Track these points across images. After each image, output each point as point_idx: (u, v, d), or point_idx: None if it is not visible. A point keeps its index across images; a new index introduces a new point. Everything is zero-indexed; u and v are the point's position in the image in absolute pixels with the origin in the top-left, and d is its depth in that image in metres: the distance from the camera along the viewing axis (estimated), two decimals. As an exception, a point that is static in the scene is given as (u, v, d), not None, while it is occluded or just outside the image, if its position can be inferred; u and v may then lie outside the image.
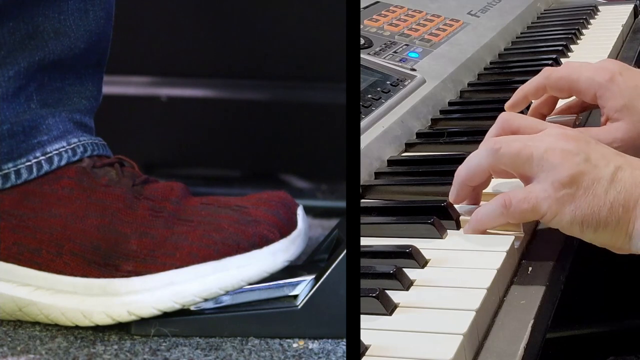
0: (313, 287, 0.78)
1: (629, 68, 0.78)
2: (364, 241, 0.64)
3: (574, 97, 0.82)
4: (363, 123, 0.82)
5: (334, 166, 1.01)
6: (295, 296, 0.78)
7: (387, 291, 0.55)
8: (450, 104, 0.96)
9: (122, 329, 0.78)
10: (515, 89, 0.82)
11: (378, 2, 1.16)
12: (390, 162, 0.81)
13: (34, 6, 0.79)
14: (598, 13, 1.33)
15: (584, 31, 1.22)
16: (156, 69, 1.13)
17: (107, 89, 0.87)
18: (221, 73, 1.13)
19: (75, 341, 0.77)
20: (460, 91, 1.00)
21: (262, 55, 1.12)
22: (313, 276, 0.78)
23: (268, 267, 0.78)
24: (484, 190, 0.69)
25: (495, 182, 0.70)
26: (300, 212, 0.82)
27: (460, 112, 0.94)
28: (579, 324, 1.04)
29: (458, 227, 0.66)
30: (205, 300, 0.77)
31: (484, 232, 0.63)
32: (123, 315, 0.77)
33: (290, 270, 0.80)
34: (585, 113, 0.87)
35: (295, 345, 0.77)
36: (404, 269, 0.58)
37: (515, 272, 0.61)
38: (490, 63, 1.10)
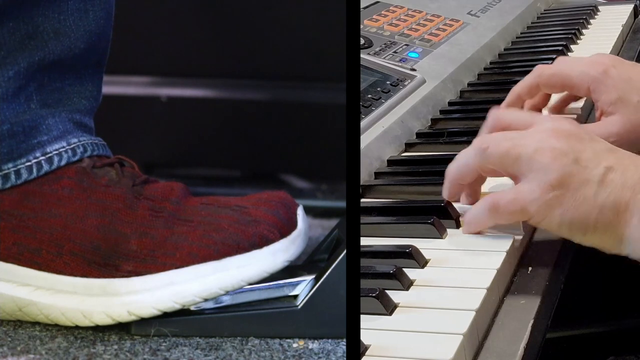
0: (313, 287, 0.78)
1: (622, 61, 0.78)
2: (364, 241, 0.64)
3: (566, 92, 0.82)
4: (363, 123, 0.82)
5: (334, 166, 1.01)
6: (295, 296, 0.78)
7: (387, 291, 0.55)
8: (450, 104, 0.96)
9: (122, 329, 0.78)
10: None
11: (378, 2, 1.16)
12: (390, 162, 0.81)
13: (34, 6, 0.79)
14: (598, 13, 1.33)
15: (584, 31, 1.22)
16: (156, 69, 1.13)
17: (107, 89, 0.87)
18: (221, 73, 1.13)
19: (75, 341, 0.77)
20: (460, 91, 1.00)
21: (262, 55, 1.12)
22: (313, 276, 0.78)
23: (268, 267, 0.78)
24: (482, 191, 0.68)
25: (493, 183, 0.70)
26: (300, 212, 0.82)
27: (460, 112, 0.94)
28: (579, 324, 1.04)
29: (458, 226, 0.65)
30: (205, 300, 0.77)
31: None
32: (123, 315, 0.77)
33: (290, 270, 0.80)
34: (586, 113, 0.86)
35: (295, 345, 0.77)
36: (404, 269, 0.58)
37: (515, 272, 0.61)
38: (490, 63, 1.10)
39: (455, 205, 0.68)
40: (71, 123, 0.82)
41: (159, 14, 1.12)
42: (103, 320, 0.77)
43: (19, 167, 0.80)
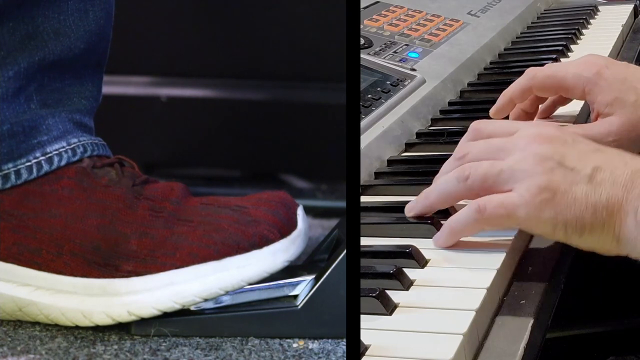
0: (313, 287, 0.78)
1: (614, 62, 0.77)
2: (364, 241, 0.64)
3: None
4: (363, 123, 0.82)
5: (334, 166, 1.01)
6: (295, 296, 0.78)
7: (387, 291, 0.55)
8: (450, 104, 0.96)
9: (122, 329, 0.78)
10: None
11: (378, 2, 1.16)
12: (390, 162, 0.81)
13: (34, 6, 0.79)
14: (598, 13, 1.33)
15: (584, 31, 1.22)
16: (156, 69, 1.13)
17: (107, 89, 0.87)
18: (221, 73, 1.13)
19: (75, 341, 0.77)
20: (460, 91, 1.00)
21: (262, 55, 1.12)
22: (313, 276, 0.78)
23: (268, 267, 0.78)
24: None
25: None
26: (300, 212, 0.82)
27: (460, 112, 0.94)
28: (579, 324, 1.04)
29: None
30: (205, 300, 0.77)
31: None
32: (123, 315, 0.77)
33: (290, 270, 0.80)
34: (585, 114, 0.86)
35: (295, 345, 0.77)
36: (404, 269, 0.58)
37: (515, 272, 0.61)
38: (490, 63, 1.10)
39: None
40: (71, 123, 0.82)
41: (159, 14, 1.12)
42: (103, 320, 0.77)
43: (19, 167, 0.80)
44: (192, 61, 1.13)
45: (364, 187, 0.76)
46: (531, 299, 0.57)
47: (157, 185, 0.81)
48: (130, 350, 0.76)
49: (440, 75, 0.98)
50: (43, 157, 0.80)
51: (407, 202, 0.71)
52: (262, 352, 0.76)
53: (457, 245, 0.63)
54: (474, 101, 0.98)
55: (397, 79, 0.93)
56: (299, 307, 0.78)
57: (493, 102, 0.87)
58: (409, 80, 0.93)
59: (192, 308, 0.78)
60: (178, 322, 0.78)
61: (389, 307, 0.54)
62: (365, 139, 0.80)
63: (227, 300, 0.78)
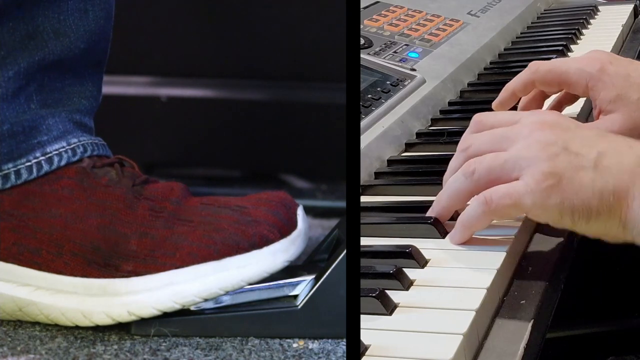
0: (313, 287, 0.78)
1: (618, 57, 0.76)
2: (364, 241, 0.64)
3: (562, 91, 0.81)
4: (363, 123, 0.82)
5: (334, 166, 1.01)
6: (295, 296, 0.78)
7: (387, 291, 0.55)
8: (450, 104, 0.96)
9: (122, 329, 0.78)
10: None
11: (378, 2, 1.16)
12: (390, 162, 0.81)
13: (34, 6, 0.79)
14: (598, 13, 1.33)
15: (584, 31, 1.22)
16: (156, 69, 1.14)
17: (107, 89, 0.87)
18: (221, 73, 1.13)
19: (75, 341, 0.77)
20: (460, 91, 1.00)
21: (262, 55, 1.12)
22: (313, 276, 0.78)
23: (268, 267, 0.78)
24: None
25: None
26: (300, 212, 0.82)
27: (460, 112, 0.94)
28: (579, 324, 1.04)
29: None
30: (205, 300, 0.77)
31: (471, 237, 0.62)
32: (123, 315, 0.77)
33: (290, 270, 0.80)
34: (586, 113, 0.86)
35: (295, 345, 0.77)
36: (404, 269, 0.58)
37: (515, 272, 0.61)
38: (490, 63, 1.10)
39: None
40: (71, 123, 0.82)
41: (159, 14, 1.13)
42: (103, 320, 0.77)
43: (19, 167, 0.80)
44: (192, 61, 1.13)
45: (364, 187, 0.76)
46: (531, 299, 0.57)
47: (157, 185, 0.81)
48: (130, 350, 0.76)
49: (440, 75, 0.98)
50: (43, 157, 0.80)
51: (407, 202, 0.72)
52: (262, 352, 0.76)
53: (457, 245, 0.63)
54: (474, 101, 0.97)
55: (397, 79, 0.93)
56: (299, 307, 0.78)
57: (493, 101, 0.87)
58: (409, 80, 0.93)
59: (192, 308, 0.78)
60: (178, 322, 0.78)
61: (389, 307, 0.54)
62: (365, 139, 0.80)
63: (227, 300, 0.78)
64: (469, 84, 1.02)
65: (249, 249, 0.78)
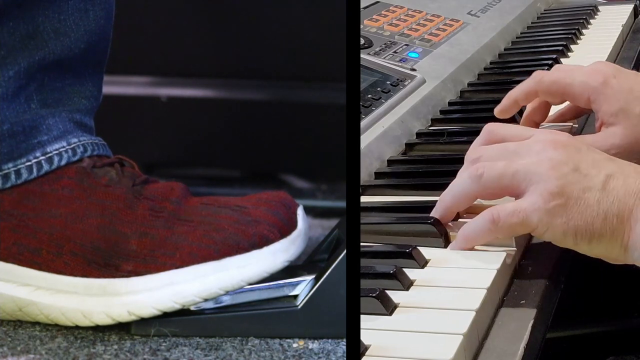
0: (313, 287, 0.78)
1: (622, 70, 0.76)
2: (364, 241, 0.64)
3: (566, 103, 0.81)
4: (363, 123, 0.82)
5: (334, 166, 1.01)
6: (295, 296, 0.78)
7: (387, 291, 0.55)
8: (450, 104, 0.96)
9: (122, 329, 0.78)
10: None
11: (378, 2, 1.16)
12: (390, 162, 0.81)
13: (34, 6, 0.79)
14: (598, 13, 1.33)
15: (584, 31, 1.22)
16: (156, 69, 1.13)
17: (107, 89, 0.87)
18: (221, 73, 1.13)
19: (75, 341, 0.77)
20: (460, 91, 1.00)
21: (262, 55, 1.12)
22: (313, 276, 0.78)
23: (268, 267, 0.78)
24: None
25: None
26: (300, 212, 0.82)
27: (460, 112, 0.94)
28: (579, 324, 1.04)
29: (458, 227, 0.65)
30: (205, 300, 0.77)
31: (473, 249, 0.62)
32: (123, 315, 0.77)
33: (290, 270, 0.80)
34: (582, 122, 0.86)
35: (295, 345, 0.77)
36: (404, 269, 0.58)
37: (515, 271, 0.61)
38: (490, 63, 1.10)
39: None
40: (71, 123, 0.82)
41: (159, 14, 1.13)
42: (103, 320, 0.77)
43: (19, 167, 0.80)
44: (192, 61, 1.13)
45: (364, 187, 0.76)
46: (531, 299, 0.57)
47: (157, 185, 0.81)
48: (130, 350, 0.76)
49: (440, 75, 0.98)
50: (43, 157, 0.80)
51: (407, 202, 0.72)
52: (262, 352, 0.76)
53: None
54: (474, 101, 0.98)
55: (397, 79, 0.93)
56: (299, 307, 0.78)
57: (493, 102, 0.87)
58: (409, 80, 0.93)
59: (192, 308, 0.78)
60: (178, 322, 0.78)
61: (389, 307, 0.54)
62: (365, 139, 0.80)
63: (227, 300, 0.78)
64: (469, 84, 1.02)
65: (249, 249, 0.78)
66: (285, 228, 0.80)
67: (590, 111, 0.77)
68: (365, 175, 0.77)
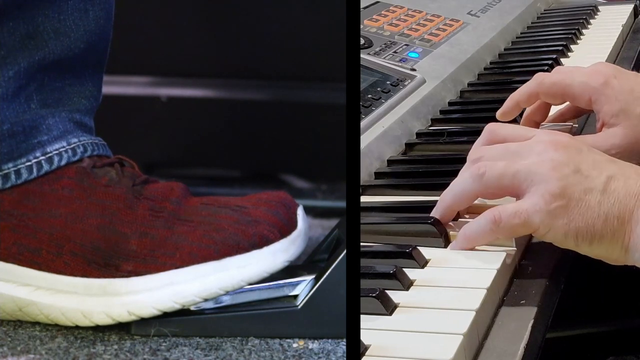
0: (313, 287, 0.78)
1: (623, 71, 0.76)
2: (364, 241, 0.64)
3: (566, 104, 0.81)
4: (363, 123, 0.82)
5: (334, 166, 1.01)
6: (295, 296, 0.78)
7: (387, 291, 0.55)
8: (450, 104, 0.96)
9: (122, 329, 0.78)
10: (516, 89, 0.82)
11: (378, 2, 1.16)
12: (390, 162, 0.81)
13: (34, 6, 0.79)
14: (598, 13, 1.33)
15: (584, 31, 1.22)
16: (156, 69, 1.13)
17: (107, 89, 0.87)
18: (221, 73, 1.13)
19: (75, 341, 0.77)
20: (460, 91, 1.00)
21: (262, 55, 1.12)
22: (313, 276, 0.78)
23: (268, 267, 0.78)
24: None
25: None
26: (300, 212, 0.82)
27: (460, 112, 0.94)
28: (579, 324, 1.04)
29: (458, 227, 0.65)
30: (205, 300, 0.77)
31: (473, 249, 0.62)
32: (123, 315, 0.77)
33: (290, 270, 0.80)
34: (582, 122, 0.86)
35: (295, 345, 0.77)
36: (404, 269, 0.58)
37: (515, 271, 0.61)
38: (490, 63, 1.10)
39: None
40: (71, 123, 0.82)
41: (159, 14, 1.12)
42: (103, 320, 0.77)
43: (19, 167, 0.80)
44: (192, 61, 1.13)
45: (364, 187, 0.76)
46: (531, 299, 0.57)
47: (157, 185, 0.81)
48: (130, 350, 0.76)
49: (440, 75, 0.98)
50: (43, 157, 0.80)
51: (407, 202, 0.72)
52: (262, 352, 0.76)
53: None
54: (474, 101, 0.98)
55: (397, 79, 0.93)
56: (299, 307, 0.78)
57: (493, 102, 0.88)
58: (409, 80, 0.93)
59: (192, 308, 0.78)
60: (178, 322, 0.78)
61: (389, 307, 0.54)
62: (365, 139, 0.80)
63: (227, 300, 0.78)
64: (469, 84, 1.02)
65: (249, 249, 0.78)
66: (285, 228, 0.80)
67: (591, 111, 0.77)
68: (365, 175, 0.77)
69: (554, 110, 0.83)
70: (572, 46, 1.14)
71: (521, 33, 1.25)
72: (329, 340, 0.78)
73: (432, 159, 0.80)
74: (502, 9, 1.26)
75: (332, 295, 0.77)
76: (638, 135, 0.72)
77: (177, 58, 1.13)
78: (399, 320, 0.54)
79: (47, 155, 0.80)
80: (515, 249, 0.62)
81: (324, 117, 1.10)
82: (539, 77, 0.78)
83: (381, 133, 0.82)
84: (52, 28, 0.80)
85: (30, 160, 0.80)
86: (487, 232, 0.60)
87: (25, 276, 0.78)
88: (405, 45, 1.04)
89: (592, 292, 1.03)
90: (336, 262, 0.77)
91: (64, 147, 0.81)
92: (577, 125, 0.84)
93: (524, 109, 0.82)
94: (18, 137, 0.80)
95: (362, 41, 1.02)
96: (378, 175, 0.78)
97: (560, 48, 1.10)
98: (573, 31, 1.19)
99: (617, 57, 1.12)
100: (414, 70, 0.97)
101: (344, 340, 0.77)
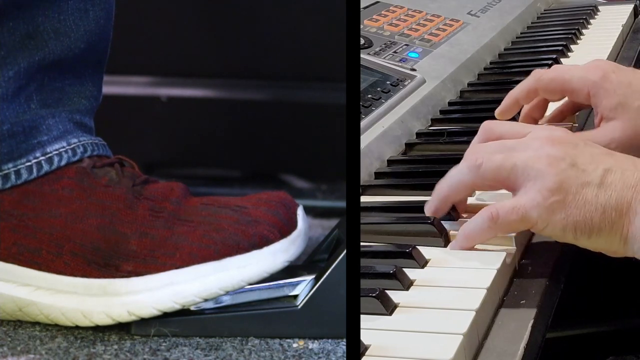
0: (313, 287, 0.78)
1: (621, 67, 0.77)
2: (364, 241, 0.64)
3: (564, 100, 0.81)
4: (363, 123, 0.82)
5: (334, 166, 1.01)
6: (295, 296, 0.78)
7: (387, 291, 0.55)
8: (450, 104, 0.96)
9: (122, 329, 0.78)
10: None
11: (378, 2, 1.16)
12: (390, 162, 0.81)
13: (34, 6, 0.79)
14: (598, 13, 1.33)
15: (584, 31, 1.22)
16: (156, 69, 1.13)
17: (107, 89, 0.87)
18: (221, 73, 1.13)
19: (75, 341, 0.77)
20: (460, 91, 1.00)
21: (262, 55, 1.12)
22: (313, 276, 0.78)
23: (268, 267, 0.78)
24: (469, 201, 0.68)
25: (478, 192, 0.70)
26: (300, 212, 0.82)
27: (460, 112, 0.94)
28: (579, 324, 1.04)
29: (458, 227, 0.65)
30: (205, 300, 0.77)
31: (473, 248, 0.62)
32: (123, 315, 0.77)
33: (290, 270, 0.80)
34: (582, 119, 0.86)
35: (295, 345, 0.77)
36: (404, 269, 0.58)
37: (515, 271, 0.61)
38: (490, 63, 1.10)
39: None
40: (71, 123, 0.82)
41: (159, 14, 1.12)
42: (103, 320, 0.77)
43: (19, 167, 0.80)
44: (192, 61, 1.13)
45: (364, 187, 0.76)
46: (531, 299, 0.57)
47: (157, 185, 0.81)
48: (130, 350, 0.76)
49: (440, 75, 0.98)
50: (43, 157, 0.80)
51: (407, 202, 0.72)
52: (262, 352, 0.76)
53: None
54: (474, 101, 0.98)
55: (397, 79, 0.93)
56: (299, 307, 0.78)
57: (493, 102, 0.88)
58: (409, 80, 0.93)
59: (192, 308, 0.78)
60: (178, 322, 0.78)
61: (389, 307, 0.54)
62: (365, 139, 0.80)
63: (227, 300, 0.78)
64: (469, 84, 1.02)
65: (249, 249, 0.78)
66: (285, 228, 0.80)
67: (589, 107, 0.78)
68: (365, 175, 0.77)
69: (552, 108, 0.83)
70: (572, 46, 1.14)
71: (521, 33, 1.25)
72: (329, 340, 0.78)
73: (432, 159, 0.81)
74: (502, 9, 1.26)
75: (332, 295, 0.77)
76: (636, 129, 0.72)
77: (177, 58, 1.13)
78: (399, 320, 0.54)
79: (47, 156, 0.80)
80: (515, 248, 0.62)
81: (324, 117, 1.10)
82: (537, 73, 0.78)
83: (381, 133, 0.82)
84: (52, 28, 0.80)
85: (30, 161, 0.80)
86: (485, 230, 0.60)
87: (25, 276, 0.78)
88: (405, 45, 1.04)
89: (592, 292, 1.03)
90: (336, 262, 0.77)
91: (63, 147, 0.81)
92: (577, 125, 0.84)
93: (522, 106, 0.82)
94: (18, 138, 0.80)
95: (362, 41, 1.02)
96: (378, 175, 0.78)
97: (560, 48, 1.10)
98: (573, 31, 1.19)
99: (617, 57, 1.12)
100: (414, 70, 0.97)
101: (344, 340, 0.77)
